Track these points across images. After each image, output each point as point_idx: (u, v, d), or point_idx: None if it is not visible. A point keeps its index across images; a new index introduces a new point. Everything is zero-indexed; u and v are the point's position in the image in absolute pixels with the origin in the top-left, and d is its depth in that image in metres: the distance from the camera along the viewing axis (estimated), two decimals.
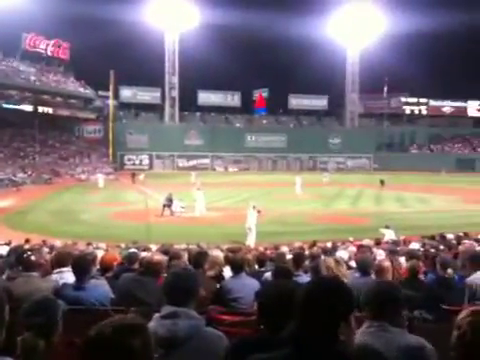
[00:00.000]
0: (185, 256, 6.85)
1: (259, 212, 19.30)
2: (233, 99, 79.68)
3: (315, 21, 70.54)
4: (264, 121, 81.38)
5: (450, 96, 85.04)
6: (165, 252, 7.10)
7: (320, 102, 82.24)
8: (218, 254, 6.47)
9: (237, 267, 5.18)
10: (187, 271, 3.11)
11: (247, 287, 4.79)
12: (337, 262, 4.92)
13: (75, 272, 4.58)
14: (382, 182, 43.21)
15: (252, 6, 68.68)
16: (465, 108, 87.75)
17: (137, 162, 68.75)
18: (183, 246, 11.84)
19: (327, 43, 75.56)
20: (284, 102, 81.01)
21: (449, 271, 5.70)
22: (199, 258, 5.69)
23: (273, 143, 74.96)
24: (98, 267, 5.78)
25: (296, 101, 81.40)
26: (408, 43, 74.09)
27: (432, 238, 12.86)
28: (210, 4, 67.30)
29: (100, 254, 6.54)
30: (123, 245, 13.13)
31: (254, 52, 79.77)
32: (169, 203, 25.56)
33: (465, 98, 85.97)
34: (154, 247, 11.55)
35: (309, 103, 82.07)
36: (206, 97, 78.30)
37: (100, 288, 4.60)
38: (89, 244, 13.61)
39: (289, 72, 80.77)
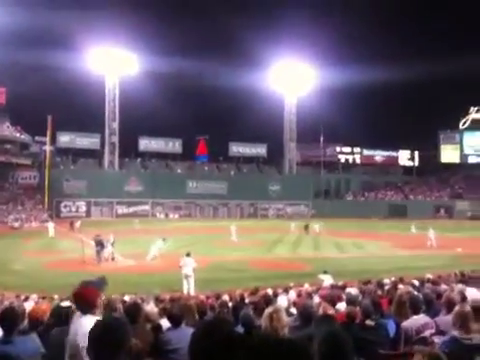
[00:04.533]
0: (121, 307, 6.60)
1: (188, 255, 19.03)
2: (174, 145, 79.83)
3: (255, 72, 73.43)
4: (205, 168, 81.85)
5: (382, 146, 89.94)
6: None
7: (260, 150, 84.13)
8: (151, 309, 6.28)
9: (175, 318, 5.05)
10: (116, 320, 2.96)
11: (187, 338, 4.65)
12: (276, 312, 4.89)
13: (2, 325, 4.30)
14: (306, 227, 44.47)
15: (193, 55, 70.68)
16: (396, 157, 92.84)
17: (74, 209, 66.49)
18: (121, 297, 11.40)
19: (266, 93, 78.64)
20: (225, 149, 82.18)
21: (368, 320, 5.77)
22: (134, 309, 5.49)
23: (214, 190, 75.27)
24: (27, 320, 5.45)
25: (236, 148, 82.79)
26: (341, 95, 78.21)
27: (368, 283, 13.14)
28: (151, 51, 68.56)
29: (31, 306, 6.18)
30: (56, 296, 12.47)
31: (196, 99, 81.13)
32: (100, 248, 24.71)
33: (396, 148, 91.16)
34: None
35: (249, 151, 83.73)
36: (147, 143, 77.99)
37: (29, 342, 4.32)
38: (18, 296, 12.81)
39: (230, 120, 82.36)
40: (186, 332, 4.87)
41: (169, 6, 79.31)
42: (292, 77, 78.27)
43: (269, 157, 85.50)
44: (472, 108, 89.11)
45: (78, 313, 3.91)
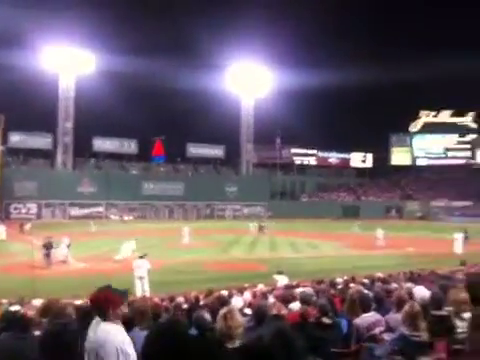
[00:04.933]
0: (72, 313, 6.40)
1: (142, 257, 18.84)
2: (130, 146, 78.59)
3: (212, 73, 73.41)
4: (161, 169, 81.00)
5: (335, 148, 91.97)
6: (47, 309, 6.55)
7: (217, 151, 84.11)
8: None
9: (128, 322, 4.96)
10: (66, 327, 2.89)
11: (140, 341, 4.57)
12: (230, 313, 4.89)
13: None
14: (261, 227, 44.97)
15: (151, 55, 69.67)
16: (349, 159, 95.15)
17: (24, 211, 64.24)
18: (72, 301, 11.08)
19: (223, 95, 78.76)
20: (182, 150, 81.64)
21: (327, 317, 5.88)
22: (88, 315, 5.34)
23: (170, 191, 74.57)
24: None
25: (194, 150, 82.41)
26: (297, 98, 79.42)
27: (321, 283, 13.38)
28: (108, 50, 67.18)
29: None
30: (5, 301, 12.02)
31: (152, 100, 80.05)
32: (48, 251, 23.97)
33: (349, 150, 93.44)
34: (39, 302, 10.67)
35: (206, 152, 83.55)
36: (101, 144, 76.36)
37: None
38: None
39: (187, 121, 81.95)
40: (139, 335, 4.78)
41: (127, 5, 78.07)
42: (249, 79, 78.74)
43: (226, 158, 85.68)
44: (422, 112, 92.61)
45: (97, 318, 3.72)
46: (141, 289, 17.87)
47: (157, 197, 72.49)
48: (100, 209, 69.24)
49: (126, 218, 68.71)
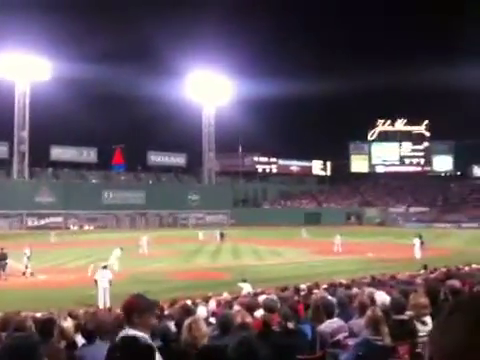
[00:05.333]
0: (32, 325, 6.20)
1: (104, 267, 18.55)
2: (89, 155, 77.15)
3: (173, 81, 73.16)
4: (122, 177, 79.86)
5: (297, 156, 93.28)
6: (5, 322, 6.31)
7: (179, 159, 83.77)
8: (67, 325, 5.97)
9: (90, 334, 4.85)
10: (25, 340, 2.80)
11: (102, 354, 4.48)
12: (195, 322, 4.86)
13: None
14: (222, 235, 44.96)
15: (110, 61, 68.82)
16: (310, 167, 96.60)
17: None
18: (32, 313, 10.74)
19: (184, 103, 78.57)
20: (143, 158, 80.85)
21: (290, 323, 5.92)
22: (47, 327, 5.20)
23: (131, 200, 73.52)
24: None
25: (155, 158, 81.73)
26: (259, 107, 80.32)
27: (285, 289, 13.44)
28: (65, 57, 65.96)
29: None
30: None
31: (112, 108, 79.00)
32: (4, 262, 23.21)
33: (310, 158, 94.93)
34: None
35: (168, 160, 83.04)
36: (59, 152, 74.60)
37: None
38: None
39: (148, 129, 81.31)
40: (101, 348, 4.68)
41: (84, 11, 77.07)
42: (210, 87, 78.77)
43: (188, 166, 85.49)
44: (379, 121, 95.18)
45: (127, 328, 3.65)
46: (103, 300, 17.52)
47: (118, 206, 71.32)
48: (59, 219, 67.52)
49: (86, 228, 67.29)
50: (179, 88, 76.40)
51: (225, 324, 5.50)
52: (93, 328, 5.06)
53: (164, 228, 69.64)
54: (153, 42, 76.44)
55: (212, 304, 11.15)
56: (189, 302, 12.27)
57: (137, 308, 3.70)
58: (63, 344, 5.18)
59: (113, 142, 78.54)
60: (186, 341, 4.39)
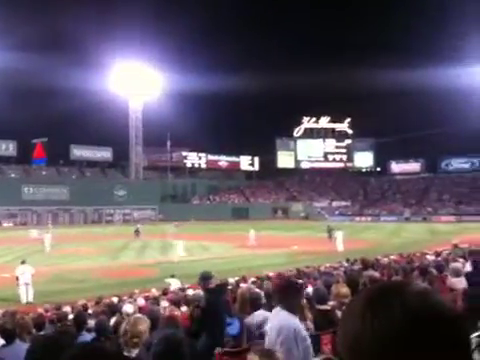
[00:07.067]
0: None
1: (23, 262, 17.86)
2: (8, 148, 73.05)
3: (96, 72, 70.79)
4: (43, 172, 76.34)
5: (225, 151, 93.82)
6: None
7: (104, 154, 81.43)
8: None
9: (8, 334, 4.63)
10: None
11: (21, 354, 4.29)
12: (135, 320, 4.79)
13: None
14: (137, 232, 44.28)
15: (29, 52, 65.34)
16: (238, 162, 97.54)
17: None
18: None
19: (109, 96, 76.36)
20: (65, 153, 77.68)
21: None
22: None
23: (54, 195, 70.49)
24: None
25: (79, 152, 78.89)
26: (187, 102, 79.85)
27: None
28: None
29: None
30: None
31: (32, 100, 75.35)
32: None
33: (238, 153, 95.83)
34: None
35: (93, 154, 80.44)
36: None
37: None
38: None
39: (70, 122, 78.21)
40: (21, 348, 4.49)
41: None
42: (136, 80, 77.03)
43: (114, 161, 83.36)
44: (304, 118, 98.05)
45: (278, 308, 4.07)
46: (25, 296, 16.97)
47: (39, 202, 68.09)
48: None
49: (5, 224, 63.94)
50: (104, 80, 74.22)
51: (152, 320, 5.46)
52: (12, 328, 4.85)
53: (89, 224, 67.56)
54: (76, 31, 73.73)
55: (140, 301, 11.00)
56: (115, 300, 12.03)
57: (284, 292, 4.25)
58: None
59: (34, 135, 74.99)
60: (124, 338, 4.34)
